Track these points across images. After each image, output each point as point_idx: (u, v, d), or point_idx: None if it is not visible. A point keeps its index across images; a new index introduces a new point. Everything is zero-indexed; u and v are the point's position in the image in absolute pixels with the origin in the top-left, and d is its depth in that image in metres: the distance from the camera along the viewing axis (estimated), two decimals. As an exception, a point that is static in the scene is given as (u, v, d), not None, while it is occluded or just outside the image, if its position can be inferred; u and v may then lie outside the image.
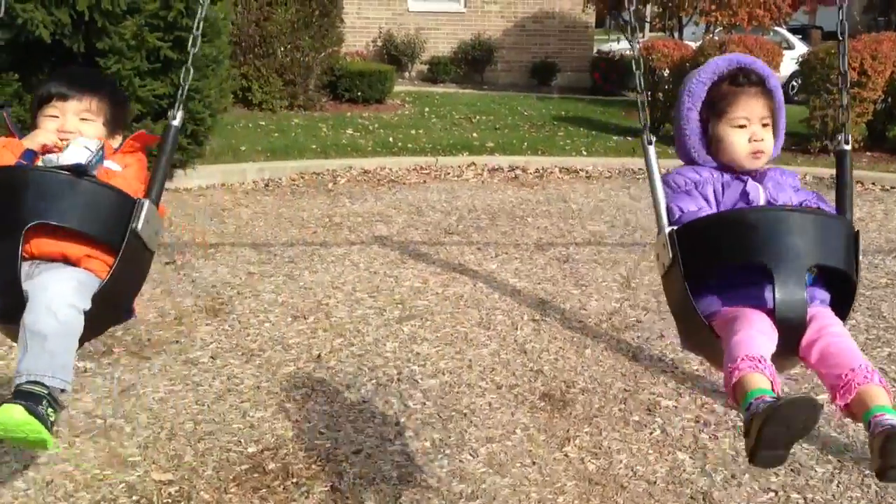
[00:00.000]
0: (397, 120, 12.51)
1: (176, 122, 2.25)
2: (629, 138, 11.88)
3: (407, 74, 17.30)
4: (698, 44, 13.27)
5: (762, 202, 2.12)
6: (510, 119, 13.13)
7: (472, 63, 17.73)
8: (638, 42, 2.39)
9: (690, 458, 3.60)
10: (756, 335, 1.93)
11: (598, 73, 17.63)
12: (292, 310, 5.17)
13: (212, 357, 4.47)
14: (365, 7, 17.14)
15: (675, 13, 14.97)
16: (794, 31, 22.43)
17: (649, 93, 13.15)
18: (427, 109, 13.60)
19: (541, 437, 3.74)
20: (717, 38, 13.49)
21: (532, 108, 14.51)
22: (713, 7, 14.34)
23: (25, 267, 1.97)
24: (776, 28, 18.44)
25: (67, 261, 2.06)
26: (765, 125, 2.19)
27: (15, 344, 2.07)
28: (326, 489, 3.28)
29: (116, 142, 2.31)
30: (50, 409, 1.88)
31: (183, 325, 4.85)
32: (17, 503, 3.13)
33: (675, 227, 2.09)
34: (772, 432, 1.75)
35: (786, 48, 14.01)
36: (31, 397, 1.86)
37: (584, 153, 10.75)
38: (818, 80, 11.06)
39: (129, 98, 7.44)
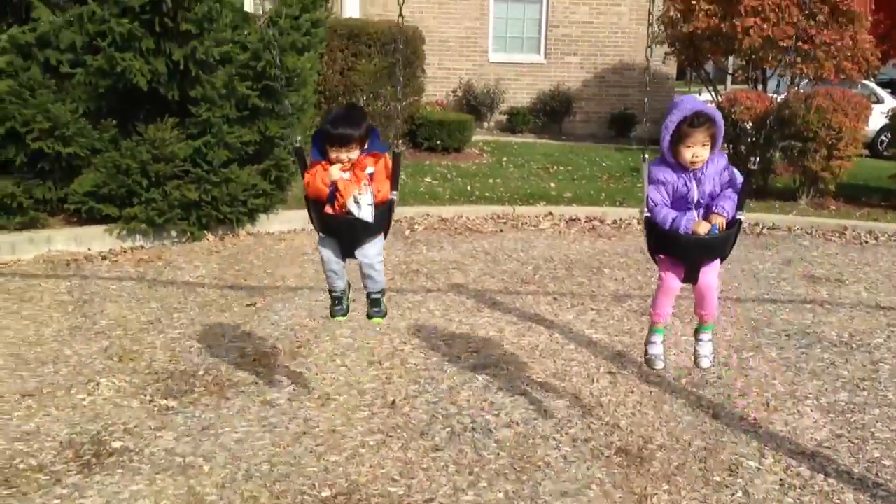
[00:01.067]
0: (475, 169, 12.62)
1: (398, 150, 3.88)
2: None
3: (486, 124, 17.47)
4: (783, 96, 13.07)
5: (696, 199, 3.64)
6: (588, 170, 13.10)
7: (551, 113, 17.80)
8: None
9: (774, 522, 3.46)
10: (668, 298, 3.85)
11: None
12: (368, 355, 5.21)
13: (289, 399, 4.53)
14: (446, 58, 17.44)
15: (758, 65, 14.77)
16: (883, 84, 21.89)
17: (731, 145, 12.99)
18: (505, 159, 13.68)
19: (617, 493, 3.66)
20: (802, 90, 13.25)
21: (610, 159, 14.45)
22: (798, 60, 14.11)
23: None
24: (864, 82, 18.02)
25: None
26: (704, 146, 3.58)
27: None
28: (398, 537, 3.27)
29: (363, 147, 3.77)
30: (383, 299, 4.11)
31: (262, 367, 4.94)
32: (100, 536, 3.21)
33: (648, 217, 3.70)
34: (650, 362, 4.00)
35: (875, 102, 13.67)
36: (377, 303, 4.06)
37: (664, 205, 10.60)
38: (909, 134, 10.74)
39: (219, 144, 7.74)
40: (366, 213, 3.66)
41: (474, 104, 17.33)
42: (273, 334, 5.51)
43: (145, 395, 4.49)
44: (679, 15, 14.58)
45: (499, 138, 16.39)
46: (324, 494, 3.57)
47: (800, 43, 13.81)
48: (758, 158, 10.56)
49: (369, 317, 4.04)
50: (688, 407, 4.61)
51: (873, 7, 15.08)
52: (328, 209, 3.75)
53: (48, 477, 3.60)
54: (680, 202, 3.65)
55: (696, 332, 4.02)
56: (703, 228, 3.59)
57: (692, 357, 4.09)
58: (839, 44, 13.85)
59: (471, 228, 9.15)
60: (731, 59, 16.62)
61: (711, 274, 3.73)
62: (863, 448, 4.19)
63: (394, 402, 4.54)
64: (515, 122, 17.51)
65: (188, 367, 4.91)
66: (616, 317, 6.17)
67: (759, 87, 15.17)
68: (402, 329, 5.70)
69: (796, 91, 12.78)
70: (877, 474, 3.93)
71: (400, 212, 9.34)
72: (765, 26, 13.56)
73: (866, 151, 14.94)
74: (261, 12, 9.15)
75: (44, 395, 4.44)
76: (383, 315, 4.06)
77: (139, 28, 7.37)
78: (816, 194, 11.09)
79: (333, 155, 3.69)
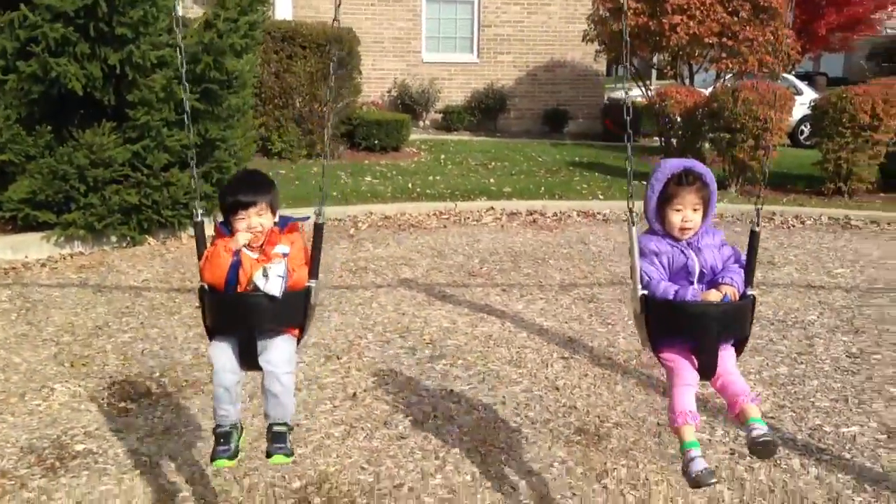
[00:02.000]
0: (414, 167, 12.70)
1: (321, 220, 3.06)
2: (644, 182, 11.96)
3: (422, 123, 17.56)
4: (710, 90, 13.49)
5: (698, 269, 3.02)
6: (525, 165, 13.31)
7: (486, 111, 18.00)
8: (630, 144, 3.22)
9: (728, 489, 3.64)
10: (686, 390, 2.97)
11: (609, 119, 17.88)
12: (325, 350, 5.25)
13: (249, 396, 4.53)
14: (380, 59, 17.48)
15: (685, 61, 15.21)
16: (800, 77, 22.72)
17: (663, 138, 13.35)
18: (443, 156, 13.80)
19: (579, 469, 3.80)
20: (728, 84, 13.69)
21: (546, 154, 14.70)
22: (723, 55, 14.57)
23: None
24: (784, 75, 18.69)
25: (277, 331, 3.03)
26: (695, 209, 3.04)
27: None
28: (372, 522, 3.33)
29: (275, 218, 3.06)
30: (290, 437, 3.06)
31: (219, 366, 4.93)
32: (70, 537, 3.19)
33: (644, 295, 2.96)
34: (695, 483, 2.88)
35: (794, 94, 14.21)
36: (281, 437, 3.02)
37: (601, 197, 10.88)
38: (830, 124, 11.23)
39: (158, 147, 7.65)
40: (274, 285, 2.88)
41: (409, 104, 17.41)
42: (227, 334, 5.49)
43: (102, 399, 4.45)
44: (608, 13, 14.90)
45: (435, 137, 16.51)
46: (294, 485, 3.61)
47: (724, 39, 14.27)
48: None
49: (269, 455, 3.00)
50: (639, 386, 4.78)
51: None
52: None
53: (13, 482, 3.56)
54: (679, 276, 3.01)
55: (747, 429, 2.91)
56: (715, 297, 2.94)
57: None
58: (761, 39, 14.36)
59: (414, 225, 9.23)
60: (656, 55, 17.06)
61: (730, 359, 3.05)
62: (805, 417, 4.42)
63: (354, 394, 4.60)
64: (451, 120, 17.65)
65: (143, 370, 4.87)
66: (564, 305, 6.33)
67: (687, 81, 15.61)
68: (356, 324, 5.75)
69: (723, 84, 13.21)
70: (819, 440, 4.15)
71: (343, 210, 9.41)
72: (691, 24, 13.97)
73: (788, 141, 15.51)
74: (197, 15, 9.05)
75: (-3, 402, 4.37)
76: (289, 454, 3.01)
77: (73, 33, 7.22)
78: (745, 182, 11.50)
79: (238, 223, 2.97)
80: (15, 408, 4.30)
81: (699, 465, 2.84)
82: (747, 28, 14.27)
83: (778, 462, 3.89)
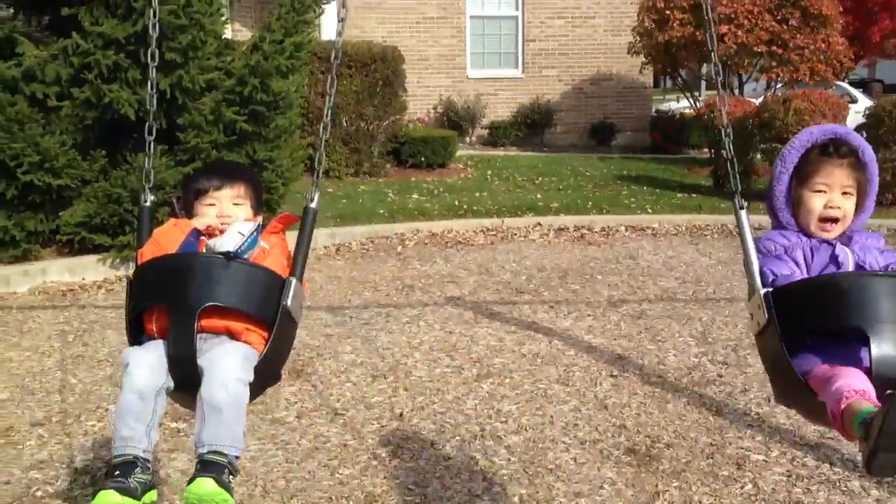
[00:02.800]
0: (461, 183, 12.71)
1: (313, 205, 2.44)
2: (693, 195, 11.86)
3: (468, 139, 17.59)
4: (760, 100, 13.27)
5: (851, 266, 2.19)
6: (572, 180, 13.23)
7: (532, 126, 17.97)
8: (722, 109, 2.49)
9: (785, 512, 3.54)
10: (857, 380, 1.99)
11: (657, 132, 17.70)
12: (372, 370, 5.26)
13: (297, 416, 4.57)
14: (425, 76, 17.57)
15: (734, 71, 15.00)
16: (855, 84, 22.26)
17: (712, 150, 13.17)
18: (489, 172, 13.79)
19: (629, 492, 3.73)
20: (779, 93, 13.47)
21: (594, 168, 14.60)
22: (773, 64, 14.33)
23: (197, 341, 2.20)
24: (838, 83, 18.32)
25: (230, 333, 2.29)
26: (845, 194, 2.26)
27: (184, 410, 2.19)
28: (420, 544, 3.31)
29: (258, 221, 2.51)
30: (230, 476, 2.14)
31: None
32: (122, 559, 3.22)
33: (770, 290, 2.15)
34: (892, 426, 1.72)
35: (849, 102, 13.92)
36: (216, 467, 2.12)
37: (650, 211, 10.76)
38: (887, 132, 10.96)
39: (209, 169, 7.76)
40: (228, 239, 2.26)
41: (455, 120, 17.46)
42: (276, 354, 5.54)
43: (154, 420, 4.51)
44: (654, 25, 14.79)
45: (482, 152, 16.52)
46: (341, 507, 3.61)
47: (774, 47, 14.05)
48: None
49: (191, 482, 2.10)
50: (691, 406, 4.69)
51: (841, 9, 15.36)
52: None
53: (67, 502, 3.62)
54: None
55: None
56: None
57: None
58: (812, 47, 14.10)
59: (461, 242, 9.23)
60: (704, 65, 16.87)
61: None
62: (865, 436, 4.28)
63: (401, 414, 4.59)
64: (497, 135, 17.65)
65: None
66: (613, 321, 6.25)
67: (736, 92, 15.39)
68: (403, 343, 5.75)
69: (773, 94, 12.99)
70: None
71: (390, 228, 9.46)
72: (739, 33, 13.79)
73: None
74: (244, 38, 9.20)
75: (53, 423, 4.46)
76: (226, 490, 2.08)
77: (125, 59, 7.41)
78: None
79: (206, 209, 2.45)
80: (71, 429, 4.39)
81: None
82: (798, 36, 14.03)
83: (837, 484, 3.78)
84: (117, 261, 7.66)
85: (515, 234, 9.59)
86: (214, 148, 7.85)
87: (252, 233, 2.33)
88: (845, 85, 19.44)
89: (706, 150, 14.32)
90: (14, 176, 7.18)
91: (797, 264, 2.22)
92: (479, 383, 5.02)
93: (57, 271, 7.42)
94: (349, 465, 3.99)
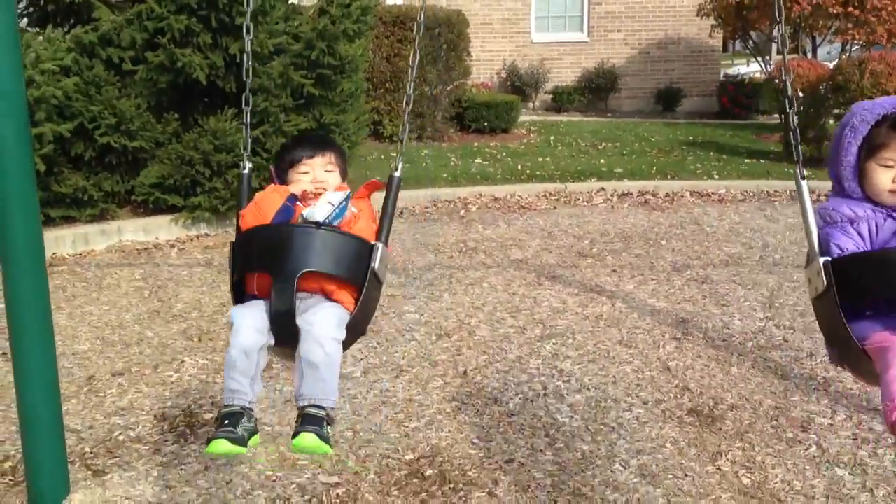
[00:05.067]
0: (524, 148, 12.68)
1: (398, 174, 2.56)
2: (761, 161, 11.62)
3: (531, 104, 17.48)
4: (834, 63, 12.89)
5: None
6: (637, 145, 13.07)
7: (596, 91, 17.75)
8: (787, 78, 2.46)
9: (850, 474, 3.53)
10: None
11: (725, 97, 17.32)
12: (436, 329, 5.35)
13: (363, 372, 4.69)
14: (489, 40, 17.48)
15: (808, 33, 14.55)
16: (936, 46, 21.36)
17: (783, 116, 12.84)
18: (553, 138, 13.71)
19: (691, 450, 3.76)
20: (854, 56, 13.04)
21: (659, 133, 14.39)
22: (850, 25, 13.87)
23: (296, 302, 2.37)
24: (917, 44, 17.64)
25: (324, 293, 2.47)
26: None
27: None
28: (483, 495, 3.41)
29: (347, 190, 2.63)
30: (328, 427, 2.35)
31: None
32: (201, 500, 3.39)
33: (830, 260, 2.18)
34: None
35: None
36: (315, 420, 2.31)
37: (716, 176, 10.59)
38: (967, 95, 10.55)
39: (277, 132, 7.93)
40: (320, 210, 2.43)
41: (519, 85, 17.36)
42: (342, 312, 5.67)
43: (227, 372, 4.68)
44: (725, -15, 14.43)
45: (545, 118, 16.41)
46: (407, 458, 3.72)
47: (850, 8, 13.58)
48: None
49: (295, 436, 2.29)
50: (756, 369, 4.67)
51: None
52: None
53: (147, 447, 3.81)
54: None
55: None
56: None
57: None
58: (890, 8, 13.59)
59: (524, 206, 9.24)
60: (776, 27, 16.42)
61: None
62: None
63: (465, 371, 4.68)
64: (561, 101, 17.50)
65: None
66: (677, 286, 6.23)
67: (809, 55, 14.95)
68: (467, 304, 5.83)
69: (848, 57, 12.59)
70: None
71: (453, 192, 9.51)
72: (813, -7, 13.38)
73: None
74: (311, 2, 9.28)
75: (133, 373, 4.66)
76: (324, 440, 2.28)
77: (197, 24, 7.56)
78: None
79: (301, 176, 2.58)
80: (149, 378, 4.59)
81: None
82: (875, -3, 13.54)
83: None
84: (189, 221, 7.89)
85: (578, 199, 9.56)
86: (283, 111, 7.99)
87: (342, 202, 2.48)
88: (925, 48, 18.68)
89: (776, 115, 13.98)
90: (92, 138, 7.43)
91: (862, 237, 2.24)
92: (542, 344, 5.08)
93: (132, 230, 7.68)
94: (414, 419, 4.09)
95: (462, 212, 9.00)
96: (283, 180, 2.62)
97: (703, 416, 4.09)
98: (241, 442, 2.26)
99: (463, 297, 5.98)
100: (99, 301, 5.96)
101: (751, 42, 15.31)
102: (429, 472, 3.59)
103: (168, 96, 7.91)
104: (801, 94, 12.00)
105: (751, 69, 18.31)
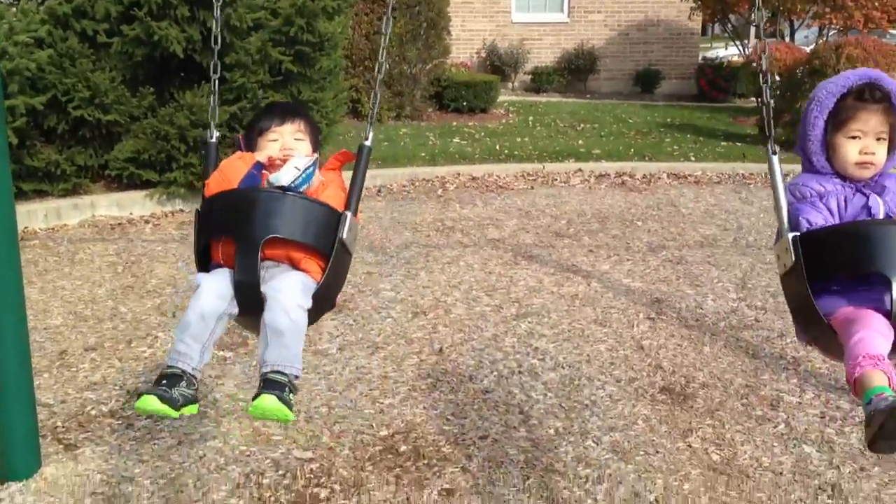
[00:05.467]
0: (502, 128, 12.67)
1: (368, 143, 2.52)
2: (738, 144, 11.69)
3: (510, 84, 17.44)
4: (812, 47, 12.97)
5: (882, 216, 2.23)
6: (615, 126, 13.10)
7: (575, 72, 17.74)
8: (763, 54, 2.51)
9: (817, 451, 3.59)
10: (874, 335, 2.08)
11: (703, 79, 17.37)
12: (412, 307, 5.36)
13: (339, 349, 4.69)
14: (469, 19, 17.38)
15: (786, 17, 14.62)
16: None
17: (759, 99, 12.91)
18: (531, 118, 13.71)
19: (663, 427, 3.80)
20: (831, 40, 13.13)
21: (637, 115, 14.43)
22: (827, 10, 13.95)
23: (260, 270, 2.35)
24: (892, 31, 17.77)
25: (290, 261, 2.43)
26: (879, 139, 2.29)
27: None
28: (457, 470, 3.43)
29: (315, 156, 2.60)
30: (290, 394, 2.27)
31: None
32: (174, 475, 3.39)
33: (798, 235, 2.21)
34: (891, 426, 1.91)
35: (904, 50, 13.51)
36: (277, 385, 2.25)
37: (693, 159, 10.65)
38: (941, 81, 10.66)
39: (254, 109, 7.86)
40: (286, 174, 2.40)
41: (498, 65, 17.30)
42: (318, 289, 5.66)
43: (202, 348, 4.66)
44: (704, -32, 14.45)
45: (524, 98, 16.39)
46: (382, 433, 3.73)
47: (828, -7, 13.67)
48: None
49: (255, 399, 2.22)
50: (727, 348, 4.73)
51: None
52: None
53: (120, 421, 3.80)
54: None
55: None
56: None
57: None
58: (868, -8, 13.70)
59: (502, 186, 9.25)
60: (755, 11, 16.47)
61: None
62: (902, 383, 4.29)
63: (441, 349, 4.69)
64: (540, 81, 17.47)
65: (240, 322, 5.08)
66: (652, 266, 6.27)
67: (787, 38, 15.04)
68: (443, 282, 5.84)
69: (825, 41, 12.67)
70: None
71: (431, 171, 9.49)
72: (792, -23, 13.44)
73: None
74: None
75: (105, 349, 4.64)
76: (287, 407, 2.21)
77: (173, -4, 7.47)
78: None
79: (270, 144, 2.55)
80: (122, 354, 4.56)
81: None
82: (853, -18, 13.63)
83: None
84: (164, 197, 7.82)
85: (556, 180, 9.58)
86: (260, 88, 7.92)
87: (308, 167, 2.44)
88: (901, 34, 18.84)
89: (753, 98, 14.06)
90: (65, 111, 7.34)
91: (831, 213, 2.26)
92: (518, 322, 5.10)
93: (105, 205, 7.61)
94: (389, 395, 4.11)
95: (440, 191, 8.99)
96: (252, 149, 2.59)
97: (675, 394, 4.14)
98: (173, 403, 2.20)
99: (439, 276, 5.99)
100: (71, 276, 5.91)
101: (729, 25, 15.35)
102: (403, 448, 3.61)
103: (144, 70, 7.81)
104: (778, 78, 12.08)
105: (729, 52, 18.38)
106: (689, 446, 3.64)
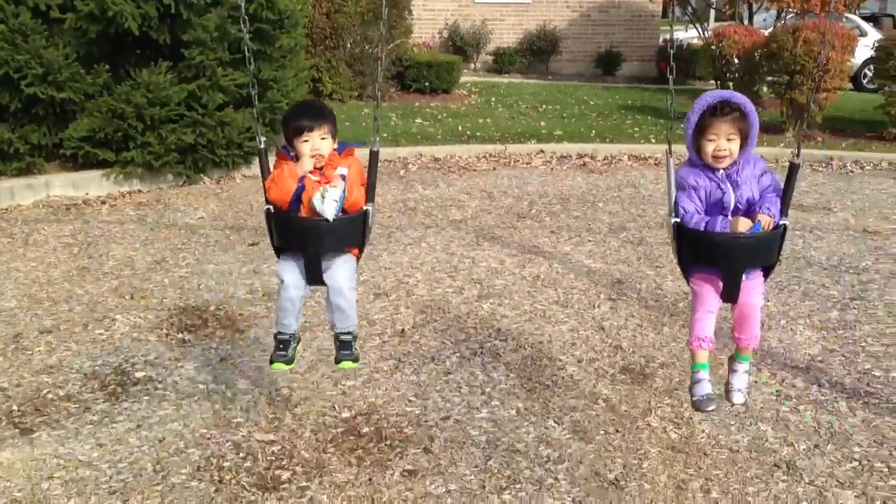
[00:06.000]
0: (465, 109, 12.64)
1: (376, 149, 3.33)
2: (698, 126, 11.78)
3: (472, 65, 17.40)
4: (770, 30, 13.10)
5: (733, 203, 3.09)
6: (577, 108, 13.15)
7: (537, 53, 17.75)
8: (704, 32, 2.80)
9: (773, 429, 3.66)
10: (706, 316, 3.17)
11: (664, 62, 17.48)
12: (374, 288, 5.34)
13: (301, 330, 4.65)
14: (431, -1, 17.30)
15: (745, 0, 14.75)
16: (866, 18, 21.88)
17: (718, 81, 13.04)
18: (493, 99, 13.70)
19: (623, 407, 3.85)
20: (789, 23, 13.27)
21: (598, 97, 14.50)
22: (785, -7, 14.10)
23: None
24: (848, 15, 18.02)
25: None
26: (730, 139, 3.08)
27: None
28: (419, 451, 3.44)
29: (335, 144, 3.27)
30: (356, 344, 3.39)
31: (271, 301, 5.06)
32: (133, 458, 3.35)
33: (676, 223, 3.13)
34: (697, 406, 3.17)
35: (858, 35, 13.70)
36: (348, 346, 3.35)
37: (653, 140, 10.74)
38: (894, 66, 10.85)
39: (213, 87, 7.75)
40: (329, 208, 3.08)
41: (460, 45, 17.24)
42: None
43: (161, 330, 4.61)
44: (665, -50, 14.49)
45: (486, 79, 16.37)
46: (344, 415, 3.73)
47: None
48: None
49: (338, 361, 3.35)
50: (686, 328, 4.78)
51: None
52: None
53: (77, 405, 3.74)
54: (715, 209, 3.12)
55: (731, 360, 3.39)
56: (744, 226, 3.03)
57: (722, 387, 3.43)
58: (825, -24, 13.84)
59: (464, 167, 9.24)
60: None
61: (755, 290, 3.17)
62: (854, 361, 4.40)
63: (403, 331, 4.69)
64: (502, 62, 17.46)
65: (199, 304, 5.02)
66: (613, 247, 6.32)
67: (746, 21, 15.17)
68: (405, 263, 5.83)
69: (783, 24, 12.80)
70: (868, 384, 4.13)
71: (393, 152, 9.44)
72: (751, -40, 13.53)
73: (850, 85, 15.03)
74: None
75: (62, 331, 4.56)
76: (355, 360, 3.36)
77: (129, -29, 7.30)
78: (803, 127, 11.22)
79: (302, 145, 3.17)
80: (79, 336, 4.49)
81: (703, 389, 3.14)
82: (811, -34, 13.77)
83: (824, 404, 3.90)
84: (121, 176, 7.69)
85: (518, 161, 9.59)
86: (220, 65, 7.80)
87: (342, 194, 3.12)
88: (856, 18, 19.12)
89: (713, 81, 14.19)
90: (18, 88, 7.15)
91: (701, 201, 3.12)
92: (480, 303, 5.11)
93: (61, 185, 7.46)
94: (352, 377, 4.09)
95: (402, 172, 8.95)
96: (290, 142, 3.21)
97: (635, 374, 4.19)
98: (290, 362, 3.35)
99: (401, 257, 5.97)
100: (26, 257, 5.79)
101: (689, 8, 15.44)
102: (365, 430, 3.60)
103: (98, 47, 7.64)
104: (736, 61, 12.20)
105: (689, 35, 18.50)
106: (649, 425, 3.68)
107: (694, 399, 3.14)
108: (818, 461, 3.41)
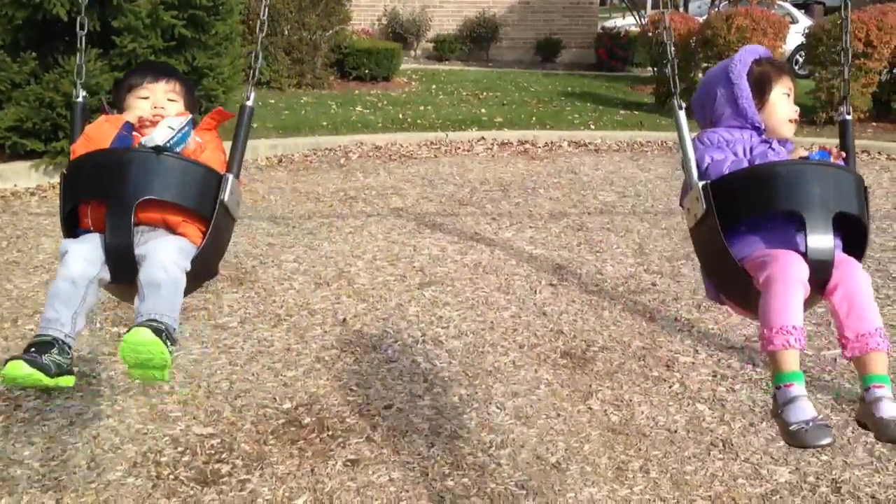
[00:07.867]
0: (405, 97, 12.59)
1: (249, 103, 2.46)
2: (635, 112, 11.96)
3: (413, 52, 17.32)
4: (704, 17, 13.31)
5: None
6: (517, 95, 13.20)
7: (477, 40, 17.75)
8: (665, 10, 2.59)
9: (709, 409, 3.74)
10: (792, 291, 2.04)
11: (602, 49, 17.66)
12: (315, 277, 5.29)
13: (240, 322, 4.59)
14: (370, -15, 17.15)
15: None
16: (797, 5, 22.40)
17: (655, 68, 13.22)
18: (434, 86, 13.66)
19: (564, 391, 3.88)
20: (723, 10, 13.50)
21: (538, 84, 14.57)
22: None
23: (135, 234, 2.24)
24: (780, 2, 18.41)
25: (167, 225, 2.33)
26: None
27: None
28: (361, 440, 3.42)
29: (189, 116, 2.47)
30: (168, 340, 2.13)
31: (209, 293, 4.97)
32: (66, 456, 3.26)
33: (709, 181, 2.22)
34: (793, 441, 2.02)
35: (790, 21, 14.02)
36: (153, 325, 2.12)
37: (592, 127, 10.84)
38: (824, 53, 11.12)
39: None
40: (160, 135, 2.25)
41: (400, 32, 17.14)
42: (218, 262, 5.52)
43: (94, 324, 4.49)
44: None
45: (427, 66, 16.32)
46: (285, 406, 3.69)
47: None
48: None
49: (131, 329, 2.10)
50: (626, 312, 4.85)
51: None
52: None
53: (7, 402, 3.62)
54: None
55: (866, 383, 2.09)
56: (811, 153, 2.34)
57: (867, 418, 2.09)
58: (757, -36, 14.11)
59: (405, 155, 9.20)
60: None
61: (851, 263, 2.15)
62: (787, 341, 4.50)
63: (344, 320, 4.65)
64: (442, 49, 17.41)
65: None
66: (554, 233, 6.37)
67: (681, 9, 15.39)
68: (347, 252, 5.79)
69: (717, 12, 13.02)
70: (800, 363, 4.23)
71: (333, 140, 9.36)
72: (686, -52, 13.72)
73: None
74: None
75: (-10, 328, 4.41)
76: (162, 342, 2.08)
77: (56, -45, 7.06)
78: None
79: (139, 101, 2.45)
80: (8, 332, 4.35)
81: (804, 411, 1.97)
82: (743, -46, 14.01)
83: (759, 383, 3.99)
84: (51, 167, 7.45)
85: (459, 148, 9.59)
86: (153, 53, 7.60)
87: (183, 127, 2.31)
88: (787, 5, 19.56)
89: (650, 68, 14.38)
90: (-62, 77, 6.89)
91: (736, 155, 2.32)
92: (422, 291, 5.10)
93: (-12, 178, 7.21)
94: (293, 367, 4.05)
95: (342, 160, 8.88)
96: (120, 109, 2.47)
97: (576, 359, 4.23)
98: (45, 370, 2.05)
99: (342, 246, 5.92)
100: (-49, 252, 5.59)
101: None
102: (306, 420, 3.57)
103: (25, 33, 7.38)
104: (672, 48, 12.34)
105: (626, 22, 18.72)
106: (590, 409, 3.72)
107: (792, 428, 1.96)
108: (753, 439, 3.49)
